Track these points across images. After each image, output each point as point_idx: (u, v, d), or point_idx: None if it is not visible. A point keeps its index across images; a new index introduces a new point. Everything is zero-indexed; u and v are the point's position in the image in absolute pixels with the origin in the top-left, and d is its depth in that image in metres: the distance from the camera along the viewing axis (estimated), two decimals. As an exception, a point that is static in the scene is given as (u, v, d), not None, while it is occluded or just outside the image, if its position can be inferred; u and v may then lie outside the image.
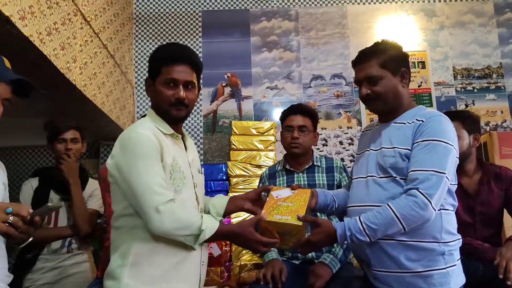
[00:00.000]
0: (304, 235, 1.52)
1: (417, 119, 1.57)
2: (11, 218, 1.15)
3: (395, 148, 1.55)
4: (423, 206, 1.41)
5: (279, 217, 1.52)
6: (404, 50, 1.71)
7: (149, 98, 3.97)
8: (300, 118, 2.33)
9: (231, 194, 3.35)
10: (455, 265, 1.49)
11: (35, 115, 3.82)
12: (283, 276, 1.95)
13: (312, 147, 2.41)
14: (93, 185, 2.43)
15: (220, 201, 1.75)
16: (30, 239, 1.22)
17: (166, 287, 1.44)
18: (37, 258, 2.19)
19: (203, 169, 1.79)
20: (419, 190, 1.42)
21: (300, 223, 1.47)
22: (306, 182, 2.27)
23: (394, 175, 1.53)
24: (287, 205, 1.58)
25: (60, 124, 2.30)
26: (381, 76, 1.62)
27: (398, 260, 1.48)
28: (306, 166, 2.31)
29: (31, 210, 1.20)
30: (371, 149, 1.67)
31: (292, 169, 2.33)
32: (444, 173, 1.45)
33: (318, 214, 2.12)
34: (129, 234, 1.46)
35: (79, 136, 2.34)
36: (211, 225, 1.43)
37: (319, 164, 2.33)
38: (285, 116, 2.38)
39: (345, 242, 1.54)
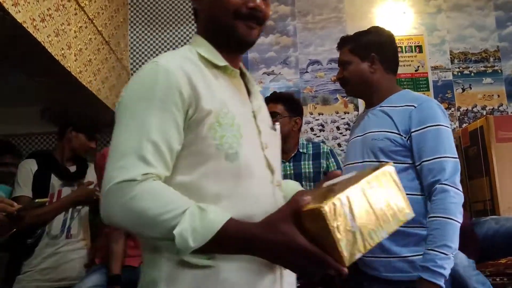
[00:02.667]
0: (332, 232, 0.80)
1: (407, 105, 1.58)
2: None
3: (384, 132, 1.56)
4: (457, 196, 1.44)
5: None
6: (401, 34, 1.74)
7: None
8: (271, 105, 2.31)
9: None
10: None
11: (30, 103, 3.80)
12: None
13: (301, 134, 2.40)
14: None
15: (289, 191, 1.14)
16: (13, 230, 1.22)
17: None
18: (37, 244, 2.20)
19: (278, 125, 1.19)
20: (445, 183, 1.44)
21: (321, 205, 0.81)
22: (292, 171, 2.27)
23: (382, 160, 1.54)
24: (329, 188, 0.97)
25: (95, 123, 2.40)
26: (349, 61, 1.70)
27: (385, 246, 1.49)
28: (292, 155, 2.30)
29: (16, 205, 1.21)
30: (357, 135, 1.68)
31: None
32: (455, 157, 1.48)
33: None
34: None
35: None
36: (199, 225, 0.83)
37: (305, 151, 2.31)
38: None
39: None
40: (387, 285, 1.50)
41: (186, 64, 0.98)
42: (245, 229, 0.86)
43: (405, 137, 1.52)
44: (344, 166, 1.71)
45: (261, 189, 1.00)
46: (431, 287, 1.35)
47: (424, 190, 1.50)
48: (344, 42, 1.74)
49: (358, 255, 0.82)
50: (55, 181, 2.27)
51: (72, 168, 2.34)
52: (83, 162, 2.39)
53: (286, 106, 2.31)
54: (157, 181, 0.88)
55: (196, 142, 0.94)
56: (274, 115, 2.30)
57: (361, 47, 1.69)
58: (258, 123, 1.06)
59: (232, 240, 0.85)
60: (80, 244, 2.31)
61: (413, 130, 1.51)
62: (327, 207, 0.80)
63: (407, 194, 1.47)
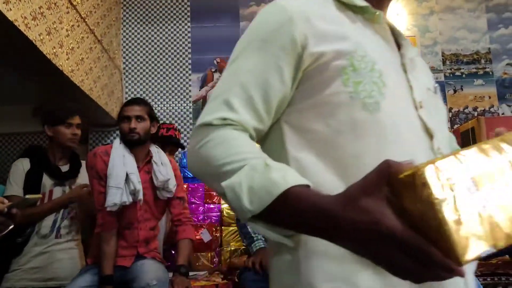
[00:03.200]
0: (437, 209, 0.49)
1: None
2: None
3: None
4: None
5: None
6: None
7: (138, 84, 3.95)
8: None
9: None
10: None
11: (22, 101, 3.78)
12: None
13: None
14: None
15: None
16: (10, 227, 1.20)
17: None
18: (26, 242, 2.18)
19: (437, 86, 0.94)
20: None
21: (420, 167, 0.51)
22: None
23: None
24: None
25: (66, 108, 2.30)
26: None
27: None
28: None
29: (7, 202, 1.19)
30: None
31: None
32: None
33: None
34: None
35: (80, 121, 2.35)
36: (259, 184, 0.63)
37: None
38: None
39: None
40: None
41: (310, 4, 0.80)
42: (315, 201, 0.60)
43: None
44: None
45: (418, 155, 0.70)
46: None
47: None
48: None
49: (485, 251, 0.50)
50: (46, 180, 2.24)
51: (65, 168, 2.31)
52: (76, 161, 2.36)
53: None
54: (236, 130, 0.72)
55: (320, 91, 0.74)
56: None
57: None
58: (409, 77, 0.81)
59: (296, 212, 0.60)
60: (69, 244, 2.29)
61: None
62: (429, 170, 0.50)
63: None
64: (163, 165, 2.21)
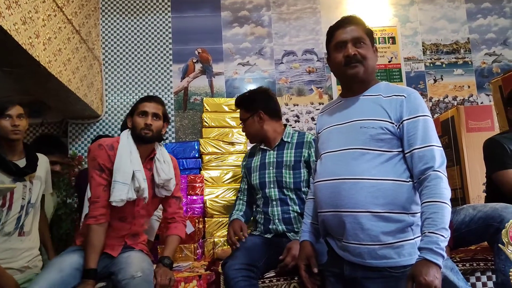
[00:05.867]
0: None
1: (395, 94, 1.61)
2: None
3: (376, 121, 1.59)
4: (447, 183, 1.51)
5: None
6: (375, 25, 1.75)
7: (118, 75, 3.89)
8: (239, 112, 2.53)
9: (204, 172, 3.34)
10: (419, 236, 1.54)
11: (-3, 93, 3.67)
12: (244, 232, 2.15)
13: (287, 123, 2.48)
14: (45, 163, 2.38)
15: None
16: None
17: None
18: None
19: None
20: (438, 170, 1.50)
21: None
22: (275, 159, 2.32)
23: (370, 147, 1.56)
24: None
25: (2, 100, 2.20)
26: (366, 41, 1.68)
27: (373, 233, 1.52)
28: (276, 143, 2.36)
29: None
30: (337, 124, 1.69)
31: (265, 147, 2.41)
32: (441, 147, 1.55)
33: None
34: None
35: (23, 111, 2.23)
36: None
37: (289, 140, 2.37)
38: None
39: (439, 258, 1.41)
40: (371, 272, 1.52)
41: None
42: None
43: (396, 125, 1.56)
44: (324, 154, 1.70)
45: None
46: (434, 267, 1.39)
47: (412, 176, 1.54)
48: (357, 21, 1.72)
49: None
50: (3, 178, 2.13)
51: (22, 162, 2.20)
52: (32, 154, 2.25)
53: (245, 108, 2.41)
54: None
55: None
56: (241, 121, 2.47)
57: (369, 33, 1.71)
58: None
59: None
60: (32, 244, 2.22)
61: (405, 118, 1.57)
62: None
63: (395, 180, 1.52)
64: (166, 163, 2.19)
